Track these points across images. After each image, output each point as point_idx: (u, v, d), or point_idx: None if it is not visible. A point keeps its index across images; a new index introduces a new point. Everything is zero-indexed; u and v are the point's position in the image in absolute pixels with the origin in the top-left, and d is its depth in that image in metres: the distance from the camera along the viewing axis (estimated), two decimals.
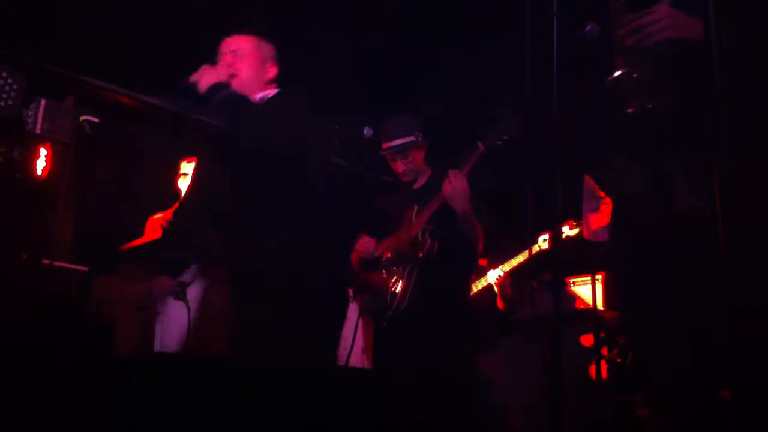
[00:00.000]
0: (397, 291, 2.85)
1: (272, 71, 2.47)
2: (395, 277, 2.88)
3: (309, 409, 2.11)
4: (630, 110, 1.56)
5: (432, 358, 2.76)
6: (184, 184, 3.86)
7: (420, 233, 2.87)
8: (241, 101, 2.31)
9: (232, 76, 2.38)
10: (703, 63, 1.41)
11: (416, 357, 2.80)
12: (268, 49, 2.50)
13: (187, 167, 3.90)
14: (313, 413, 2.12)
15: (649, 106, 1.55)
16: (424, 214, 2.90)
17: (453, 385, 2.73)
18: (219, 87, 2.32)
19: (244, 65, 2.42)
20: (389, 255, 2.93)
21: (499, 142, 2.78)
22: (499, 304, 3.71)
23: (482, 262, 3.90)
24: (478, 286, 3.78)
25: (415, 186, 3.10)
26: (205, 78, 2.34)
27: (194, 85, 2.34)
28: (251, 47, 2.46)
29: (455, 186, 2.78)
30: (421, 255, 2.84)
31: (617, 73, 1.52)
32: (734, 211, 1.18)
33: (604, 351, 3.96)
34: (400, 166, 3.02)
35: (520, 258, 3.67)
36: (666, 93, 1.54)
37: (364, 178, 4.13)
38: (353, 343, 3.17)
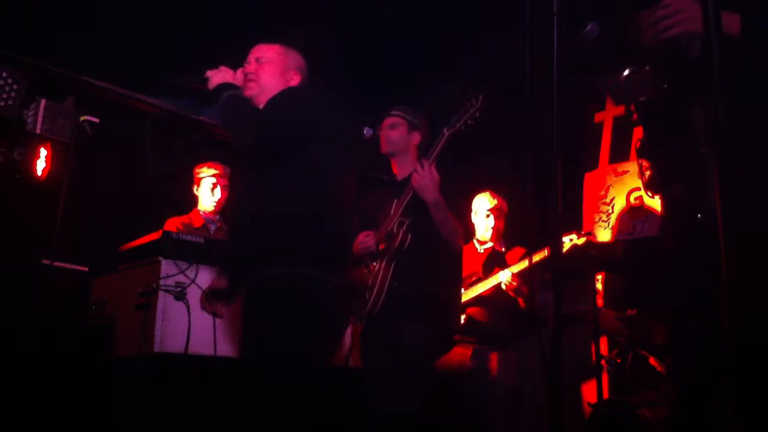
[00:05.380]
0: (375, 287, 2.85)
1: (295, 80, 2.48)
2: (374, 273, 2.89)
3: (308, 408, 2.11)
4: (641, 99, 1.56)
5: (398, 355, 2.75)
6: (205, 191, 3.86)
7: (395, 226, 2.89)
8: (239, 101, 2.32)
9: (251, 81, 2.41)
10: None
11: (386, 354, 2.79)
12: (293, 59, 2.52)
13: (206, 174, 3.88)
14: (312, 413, 2.13)
15: (660, 95, 1.54)
16: (398, 206, 2.92)
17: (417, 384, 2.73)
18: (226, 87, 2.34)
19: (265, 72, 2.44)
20: (382, 247, 2.93)
21: (463, 127, 2.81)
22: (521, 303, 3.70)
23: (519, 251, 3.90)
24: (486, 285, 3.77)
25: (399, 179, 3.10)
26: (219, 76, 2.38)
27: (205, 80, 2.38)
28: (275, 55, 2.49)
29: (423, 176, 2.81)
30: (394, 247, 2.84)
31: (627, 72, 1.52)
32: (735, 210, 1.18)
33: (604, 351, 3.96)
34: (383, 135, 3.05)
35: (533, 260, 3.63)
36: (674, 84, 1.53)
37: (363, 178, 4.13)
38: (353, 342, 3.17)
